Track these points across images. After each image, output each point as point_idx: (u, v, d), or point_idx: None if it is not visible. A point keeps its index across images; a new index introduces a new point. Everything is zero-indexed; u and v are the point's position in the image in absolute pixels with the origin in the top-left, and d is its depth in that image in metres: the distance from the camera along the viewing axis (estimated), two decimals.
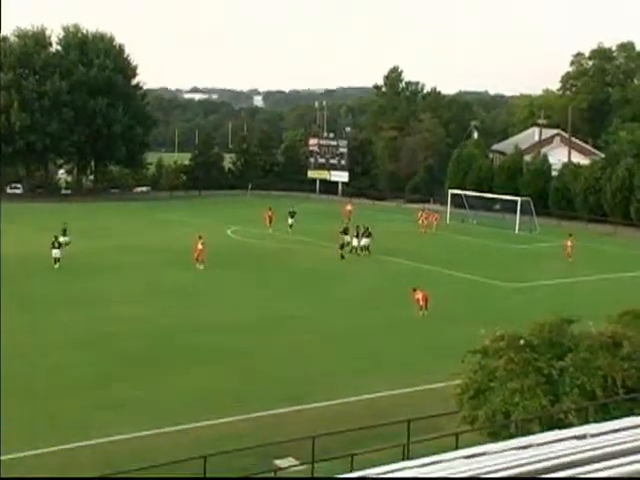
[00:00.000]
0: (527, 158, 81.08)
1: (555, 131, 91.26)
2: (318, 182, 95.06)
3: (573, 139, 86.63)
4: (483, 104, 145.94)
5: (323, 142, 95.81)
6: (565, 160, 79.59)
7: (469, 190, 73.29)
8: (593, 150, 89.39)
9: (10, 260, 44.92)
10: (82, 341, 31.36)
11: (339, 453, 18.59)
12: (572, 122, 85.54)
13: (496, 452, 10.31)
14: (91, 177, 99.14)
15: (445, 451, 10.90)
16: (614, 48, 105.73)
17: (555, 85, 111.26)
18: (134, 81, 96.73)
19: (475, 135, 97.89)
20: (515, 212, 65.90)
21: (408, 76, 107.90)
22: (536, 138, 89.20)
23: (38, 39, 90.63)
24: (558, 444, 10.40)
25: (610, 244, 59.99)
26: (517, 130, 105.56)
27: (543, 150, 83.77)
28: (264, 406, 24.50)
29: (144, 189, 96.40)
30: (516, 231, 64.32)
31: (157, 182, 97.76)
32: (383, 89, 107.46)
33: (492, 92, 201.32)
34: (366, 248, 52.52)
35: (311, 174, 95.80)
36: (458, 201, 72.45)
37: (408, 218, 69.45)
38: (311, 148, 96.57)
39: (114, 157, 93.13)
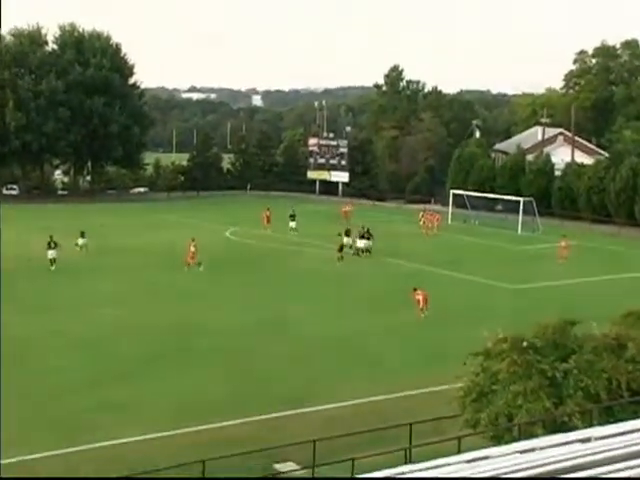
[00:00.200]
0: (530, 158, 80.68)
1: (558, 130, 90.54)
2: (318, 182, 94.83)
3: (576, 138, 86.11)
4: (485, 103, 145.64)
5: (323, 142, 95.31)
6: (568, 160, 79.33)
7: (471, 190, 73.07)
8: (597, 149, 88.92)
9: (6, 262, 44.34)
10: (79, 343, 31.30)
11: (340, 457, 18.41)
12: (575, 121, 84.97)
13: (499, 456, 10.24)
14: (88, 178, 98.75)
15: (447, 455, 10.84)
16: (618, 46, 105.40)
17: (558, 83, 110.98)
18: (131, 80, 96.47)
19: (477, 134, 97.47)
20: (517, 212, 65.50)
21: (409, 75, 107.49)
22: (539, 137, 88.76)
23: (34, 38, 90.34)
24: (562, 447, 10.32)
25: (614, 244, 59.71)
26: (519, 129, 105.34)
27: (546, 149, 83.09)
28: (264, 409, 24.36)
29: (141, 190, 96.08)
30: (519, 232, 63.97)
31: (155, 183, 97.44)
32: (383, 88, 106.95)
33: (494, 91, 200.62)
34: (367, 250, 52.33)
35: (311, 174, 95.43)
36: (460, 201, 72.17)
37: (409, 219, 69.50)
38: (311, 148, 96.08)
39: (111, 157, 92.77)
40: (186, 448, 20.97)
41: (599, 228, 66.53)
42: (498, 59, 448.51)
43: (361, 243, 52.44)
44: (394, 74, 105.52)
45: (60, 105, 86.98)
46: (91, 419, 23.46)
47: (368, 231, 52.91)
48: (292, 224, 61.64)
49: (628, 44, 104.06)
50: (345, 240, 52.38)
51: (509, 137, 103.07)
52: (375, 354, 30.69)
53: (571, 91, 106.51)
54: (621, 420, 13.90)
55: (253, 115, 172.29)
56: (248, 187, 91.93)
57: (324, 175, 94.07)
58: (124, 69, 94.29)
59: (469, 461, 10.00)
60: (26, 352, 29.86)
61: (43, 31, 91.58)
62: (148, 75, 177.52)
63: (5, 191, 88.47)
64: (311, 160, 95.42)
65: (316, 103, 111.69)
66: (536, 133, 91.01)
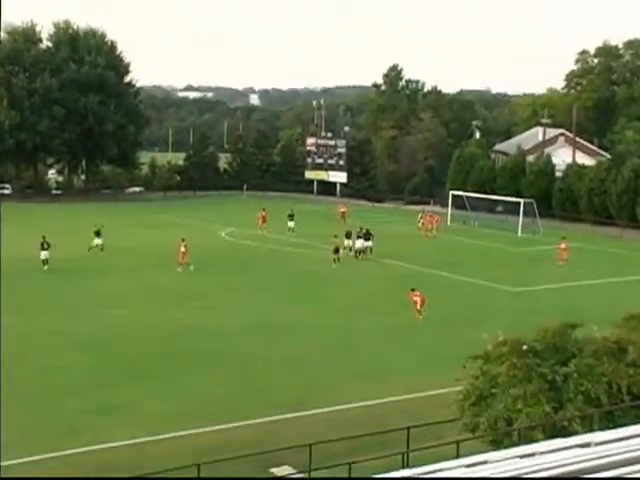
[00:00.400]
0: (530, 158, 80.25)
1: (559, 131, 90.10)
2: (315, 183, 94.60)
3: (578, 139, 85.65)
4: (485, 103, 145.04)
5: (321, 142, 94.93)
6: (569, 161, 78.87)
7: (470, 191, 72.82)
8: (598, 150, 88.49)
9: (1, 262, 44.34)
10: (75, 345, 31.23)
11: (337, 461, 18.35)
12: (577, 121, 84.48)
13: (498, 460, 10.18)
14: (82, 177, 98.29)
15: (446, 459, 10.78)
16: (620, 45, 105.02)
17: (559, 83, 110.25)
18: (126, 79, 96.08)
19: (477, 135, 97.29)
20: (518, 214, 65.21)
21: (408, 74, 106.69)
22: (540, 138, 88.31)
23: (28, 35, 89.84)
24: (562, 452, 10.27)
25: (616, 247, 59.39)
26: (520, 130, 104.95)
27: (547, 150, 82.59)
28: (260, 412, 24.30)
29: (137, 189, 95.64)
30: (519, 233, 63.73)
31: (150, 182, 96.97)
32: (382, 87, 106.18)
33: (494, 91, 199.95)
34: (365, 251, 52.11)
35: (308, 175, 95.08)
36: (459, 202, 71.86)
37: (408, 220, 69.55)
38: (308, 148, 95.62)
39: (106, 156, 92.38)
40: (181, 452, 20.93)
41: (600, 230, 66.16)
42: (498, 59, 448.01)
43: (360, 244, 52.16)
44: (393, 73, 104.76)
45: (54, 103, 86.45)
46: (86, 422, 23.39)
47: (368, 232, 52.66)
48: (290, 224, 61.44)
49: (631, 44, 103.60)
50: (346, 242, 52.34)
51: (509, 138, 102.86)
52: (374, 357, 30.58)
53: (572, 91, 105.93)
54: (622, 425, 13.78)
55: (250, 114, 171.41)
56: (245, 187, 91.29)
57: (322, 175, 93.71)
58: (119, 67, 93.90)
59: (468, 466, 9.95)
60: (21, 354, 29.61)
61: (37, 28, 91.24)
62: (144, 73, 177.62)
63: None
64: (309, 160, 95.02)
65: (314, 102, 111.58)
66: (537, 134, 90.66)
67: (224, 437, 22.45)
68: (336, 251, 49.54)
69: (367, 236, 52.46)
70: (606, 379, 18.30)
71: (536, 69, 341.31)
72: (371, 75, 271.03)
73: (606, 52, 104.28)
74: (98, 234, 50.81)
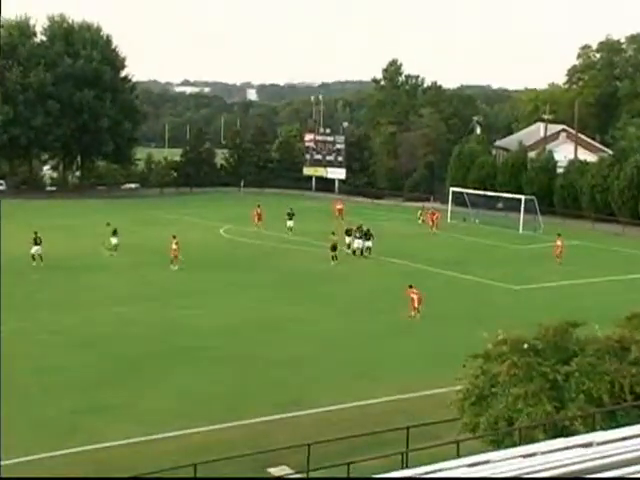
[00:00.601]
0: (531, 155, 79.98)
1: (561, 127, 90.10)
2: (314, 179, 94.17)
3: (580, 135, 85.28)
4: (486, 99, 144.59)
5: (319, 138, 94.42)
6: (571, 157, 78.47)
7: (471, 188, 72.63)
8: (600, 146, 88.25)
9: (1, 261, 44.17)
10: (71, 344, 31.13)
11: (335, 461, 18.34)
12: (579, 117, 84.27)
13: (500, 460, 10.12)
14: (77, 173, 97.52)
15: (446, 459, 10.71)
16: (623, 40, 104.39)
17: (561, 79, 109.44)
18: (122, 73, 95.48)
19: (477, 131, 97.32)
20: (519, 211, 65.26)
21: (408, 70, 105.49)
22: (541, 134, 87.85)
23: (22, 29, 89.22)
24: (563, 452, 10.24)
25: (618, 244, 59.24)
26: (521, 126, 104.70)
27: (548, 146, 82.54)
28: (258, 412, 24.25)
29: (133, 186, 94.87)
30: (520, 231, 63.71)
31: (146, 179, 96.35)
32: (382, 83, 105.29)
33: (495, 86, 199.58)
34: (363, 249, 51.59)
35: (307, 171, 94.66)
36: (459, 199, 71.67)
37: (407, 217, 69.69)
38: (307, 144, 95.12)
39: (101, 152, 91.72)
40: (178, 452, 20.90)
41: (602, 227, 66.06)
42: (499, 54, 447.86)
43: (359, 243, 51.66)
44: (393, 68, 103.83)
45: (49, 98, 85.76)
46: (82, 421, 23.38)
47: (368, 231, 52.19)
48: (290, 223, 60.52)
49: (633, 38, 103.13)
50: (347, 240, 52.06)
51: (510, 133, 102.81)
52: (373, 356, 30.42)
53: (574, 86, 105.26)
54: (624, 425, 13.61)
55: (248, 110, 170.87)
56: (242, 183, 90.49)
57: (320, 172, 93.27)
58: (115, 61, 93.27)
59: (469, 465, 9.96)
60: (19, 351, 29.56)
61: (32, 22, 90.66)
62: (140, 68, 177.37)
63: None
64: (307, 156, 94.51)
65: (312, 98, 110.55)
66: (538, 129, 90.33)
67: (221, 437, 22.46)
68: (334, 249, 48.85)
69: (367, 236, 51.92)
70: (608, 378, 18.21)
71: (537, 68, 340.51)
72: (370, 70, 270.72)
73: (608, 47, 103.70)
74: (115, 233, 50.36)
